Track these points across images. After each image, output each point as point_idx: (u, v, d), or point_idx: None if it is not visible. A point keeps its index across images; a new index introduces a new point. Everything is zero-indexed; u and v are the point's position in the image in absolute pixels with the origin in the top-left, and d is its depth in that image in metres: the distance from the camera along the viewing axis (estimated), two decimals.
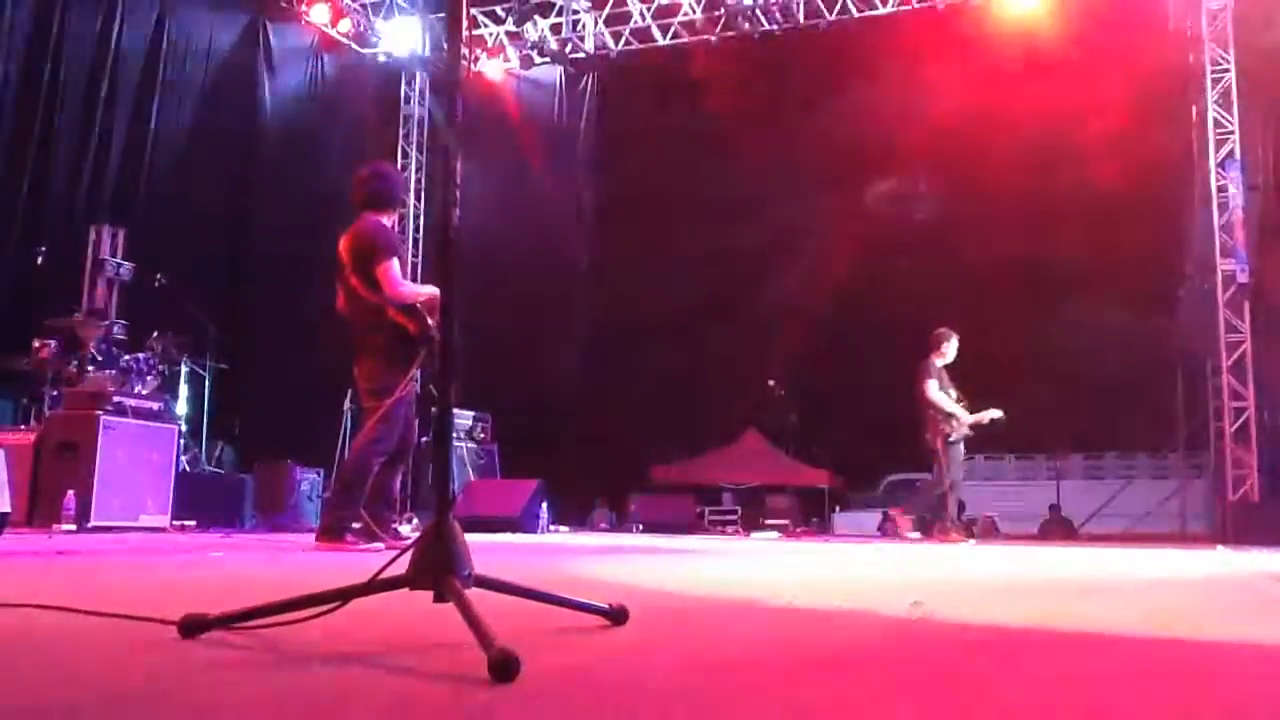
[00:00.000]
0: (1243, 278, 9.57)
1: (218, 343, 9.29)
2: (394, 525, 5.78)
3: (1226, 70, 9.91)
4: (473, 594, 1.55)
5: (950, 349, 8.60)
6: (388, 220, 5.46)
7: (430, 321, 5.03)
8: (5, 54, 9.00)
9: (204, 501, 8.50)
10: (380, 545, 5.06)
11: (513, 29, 12.70)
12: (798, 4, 11.55)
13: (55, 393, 7.70)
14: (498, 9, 12.79)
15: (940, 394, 8.42)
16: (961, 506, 11.43)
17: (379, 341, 5.10)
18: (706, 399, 12.82)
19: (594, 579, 3.39)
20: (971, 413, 8.49)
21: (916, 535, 8.68)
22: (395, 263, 5.11)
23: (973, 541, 8.32)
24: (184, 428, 8.55)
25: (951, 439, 8.40)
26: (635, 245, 12.86)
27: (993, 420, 8.53)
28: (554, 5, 12.47)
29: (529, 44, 12.62)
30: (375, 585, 1.63)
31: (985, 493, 12.03)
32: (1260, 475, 9.44)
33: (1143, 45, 10.49)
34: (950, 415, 8.40)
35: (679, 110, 12.51)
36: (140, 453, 7.56)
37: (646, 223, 12.81)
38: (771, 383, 11.60)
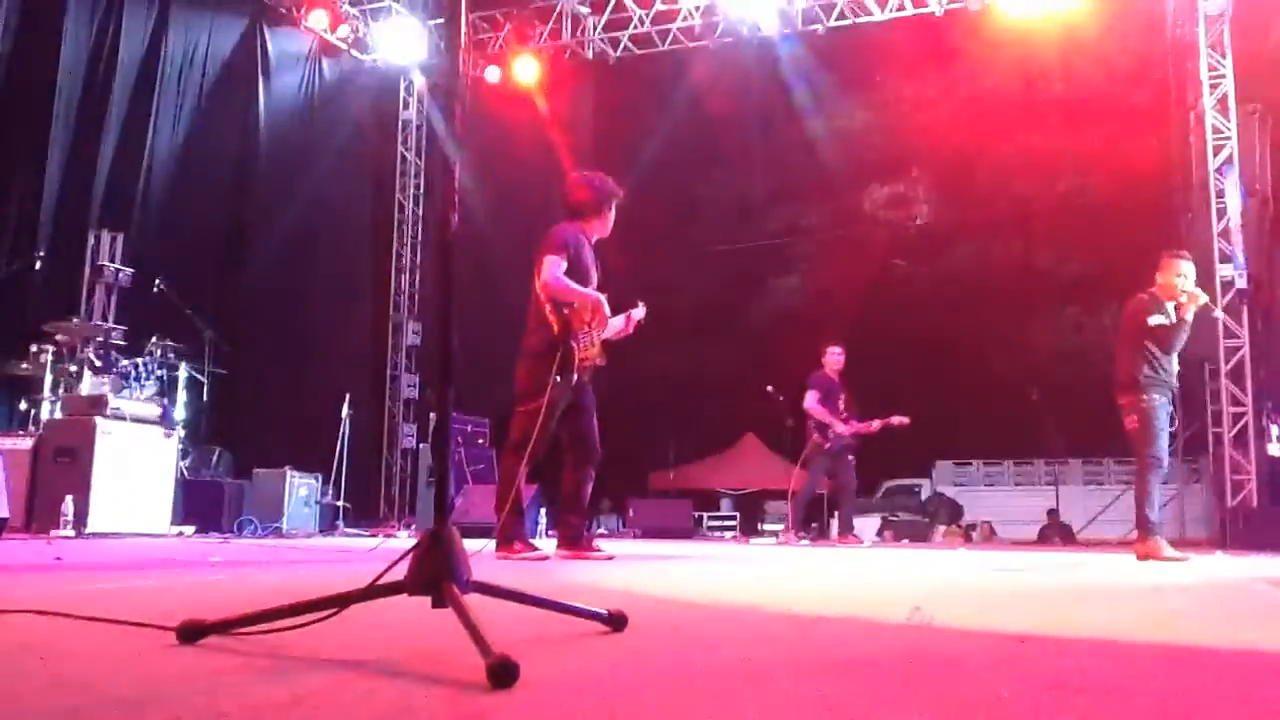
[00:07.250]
0: (1241, 283, 9.58)
1: (216, 348, 9.28)
2: (588, 536, 5.54)
3: (1223, 76, 9.94)
4: (471, 600, 1.55)
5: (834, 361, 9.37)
6: (586, 227, 5.46)
7: (582, 325, 5.02)
8: (2, 58, 8.99)
9: (202, 507, 8.49)
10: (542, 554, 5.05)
11: (511, 34, 12.72)
12: (796, 11, 11.58)
13: (54, 398, 7.69)
14: (497, 14, 12.81)
15: (815, 405, 9.14)
16: (960, 510, 11.45)
17: (531, 342, 5.13)
18: (705, 405, 12.81)
19: (592, 585, 3.38)
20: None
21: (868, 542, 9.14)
22: (556, 258, 5.07)
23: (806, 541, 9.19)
24: (182, 433, 8.54)
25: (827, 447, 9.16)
26: (634, 250, 12.84)
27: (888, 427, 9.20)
28: (555, 10, 12.50)
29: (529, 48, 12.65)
30: (373, 591, 1.62)
31: (984, 498, 12.03)
32: (1259, 481, 9.44)
33: (1140, 52, 10.52)
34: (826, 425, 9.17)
35: (678, 115, 12.52)
36: (138, 458, 7.55)
37: (645, 228, 12.80)
38: (770, 388, 11.59)
